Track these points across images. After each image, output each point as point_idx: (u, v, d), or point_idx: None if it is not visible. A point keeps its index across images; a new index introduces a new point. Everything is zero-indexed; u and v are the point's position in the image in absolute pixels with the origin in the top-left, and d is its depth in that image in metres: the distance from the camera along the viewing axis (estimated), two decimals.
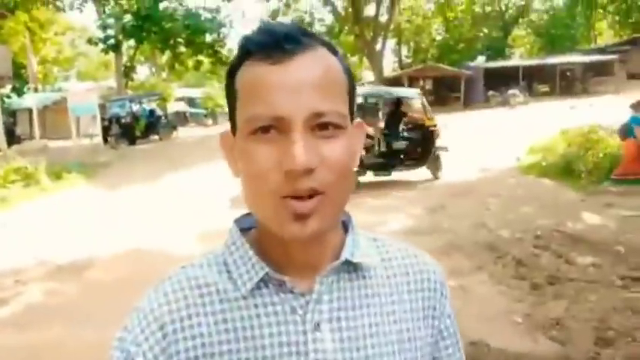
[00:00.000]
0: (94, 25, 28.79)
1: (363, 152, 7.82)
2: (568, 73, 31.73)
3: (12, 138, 20.65)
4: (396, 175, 9.81)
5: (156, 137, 21.95)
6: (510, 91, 26.66)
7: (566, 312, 3.84)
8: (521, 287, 4.45)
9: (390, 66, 42.95)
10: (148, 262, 5.42)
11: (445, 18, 42.35)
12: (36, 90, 22.26)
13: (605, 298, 4.01)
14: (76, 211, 9.12)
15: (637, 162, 7.96)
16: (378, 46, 30.31)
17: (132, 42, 28.87)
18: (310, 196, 0.57)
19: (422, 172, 10.01)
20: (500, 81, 28.48)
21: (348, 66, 0.65)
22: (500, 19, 43.19)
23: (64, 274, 5.56)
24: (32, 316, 4.52)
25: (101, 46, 27.15)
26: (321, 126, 0.58)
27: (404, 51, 44.90)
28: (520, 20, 44.58)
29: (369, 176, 9.49)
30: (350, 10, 30.75)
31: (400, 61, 43.75)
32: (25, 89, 22.30)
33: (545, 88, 30.89)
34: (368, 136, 9.27)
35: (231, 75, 0.63)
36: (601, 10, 40.82)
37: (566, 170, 9.11)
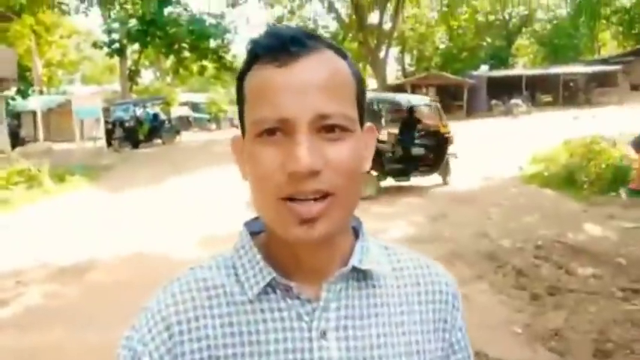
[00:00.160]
0: (99, 29, 29.07)
1: (381, 157, 7.82)
2: (571, 84, 31.77)
3: (16, 140, 20.74)
4: (391, 181, 9.89)
5: (159, 141, 22.02)
6: (513, 101, 26.72)
7: (565, 323, 3.84)
8: (521, 297, 4.45)
9: (393, 74, 43.03)
10: (150, 266, 5.44)
11: (449, 26, 42.45)
12: (41, 92, 22.42)
13: (605, 310, 4.00)
14: (79, 213, 9.15)
15: None
16: (382, 54, 30.40)
17: (136, 46, 29.04)
18: (316, 199, 0.57)
19: (429, 178, 10.12)
20: (503, 90, 28.53)
21: (359, 70, 0.65)
22: (504, 29, 43.29)
23: (66, 277, 5.56)
24: (33, 318, 4.52)
25: (106, 49, 27.35)
26: (327, 128, 0.57)
27: (407, 59, 45.02)
28: (523, 30, 44.69)
29: (389, 181, 9.71)
30: (354, 17, 30.87)
31: (403, 69, 43.84)
32: (29, 92, 22.38)
33: (548, 98, 30.93)
34: (380, 141, 9.32)
35: (240, 79, 0.63)
36: (604, 21, 40.85)
37: (568, 180, 9.11)
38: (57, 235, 7.48)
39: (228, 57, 29.39)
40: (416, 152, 9.87)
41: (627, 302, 4.15)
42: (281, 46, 0.58)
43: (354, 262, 0.64)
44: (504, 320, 4.02)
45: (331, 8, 33.35)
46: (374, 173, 9.04)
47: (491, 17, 43.34)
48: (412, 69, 43.41)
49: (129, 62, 29.52)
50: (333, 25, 37.59)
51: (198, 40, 27.78)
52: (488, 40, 43.33)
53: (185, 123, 32.13)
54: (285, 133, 0.57)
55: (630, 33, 39.21)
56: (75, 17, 33.79)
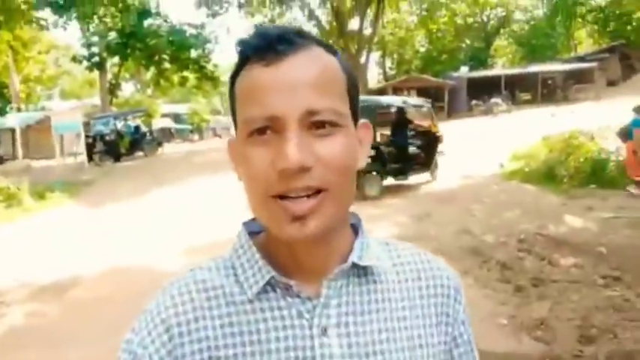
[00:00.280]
0: (78, 43, 28.78)
1: (382, 157, 7.91)
2: (549, 82, 32.25)
3: None
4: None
5: (141, 154, 21.82)
6: (493, 100, 27.03)
7: (550, 312, 3.87)
8: (506, 290, 4.48)
9: (374, 78, 43.33)
10: (131, 280, 5.37)
11: (428, 30, 42.94)
12: (19, 109, 22.14)
13: (587, 298, 4.05)
14: (59, 230, 8.99)
15: (635, 165, 7.92)
16: (363, 59, 30.52)
17: (116, 59, 28.85)
18: (308, 196, 0.56)
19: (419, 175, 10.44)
20: (483, 90, 28.87)
21: (350, 66, 0.64)
22: (482, 30, 43.92)
23: (47, 295, 5.45)
24: (14, 339, 4.42)
25: (85, 63, 27.10)
26: (317, 124, 0.57)
27: (388, 63, 45.40)
28: (502, 31, 45.39)
29: (390, 180, 10.01)
30: (334, 24, 31.05)
31: (385, 72, 44.17)
32: (7, 109, 22.10)
33: (527, 97, 31.33)
34: (377, 142, 9.42)
35: (232, 81, 0.63)
36: (580, 20, 41.65)
37: (548, 175, 9.24)
38: (37, 253, 7.33)
39: (210, 67, 29.32)
40: (412, 151, 10.19)
41: (608, 289, 4.21)
42: (268, 45, 0.58)
43: (353, 258, 0.63)
44: (490, 313, 4.03)
45: (312, 16, 33.49)
46: (374, 173, 9.29)
47: (470, 20, 43.93)
48: (393, 72, 43.81)
49: (109, 75, 29.29)
50: (314, 32, 37.67)
51: (179, 50, 27.69)
52: (467, 42, 43.92)
53: (167, 134, 31.94)
54: (275, 132, 0.57)
55: (605, 31, 39.99)
56: (53, 31, 33.50)
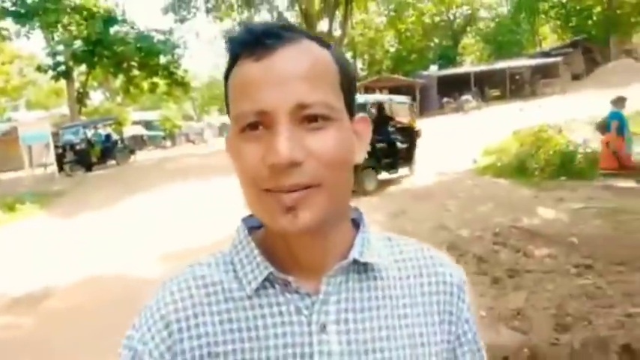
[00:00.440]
0: (42, 52, 28.05)
1: (376, 152, 8.03)
2: (517, 77, 32.91)
3: None
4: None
5: (113, 162, 21.43)
6: (463, 97, 27.46)
7: (526, 302, 3.95)
8: (483, 282, 4.55)
9: None
10: (105, 288, 5.31)
11: (397, 30, 43.38)
12: None
13: (561, 287, 4.15)
14: (31, 241, 8.78)
15: (611, 157, 8.15)
16: None
17: (83, 67, 28.23)
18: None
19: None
20: (453, 88, 29.31)
21: (346, 59, 0.63)
22: (450, 29, 44.60)
23: (21, 307, 5.33)
24: None
25: (51, 73, 26.44)
26: (309, 118, 0.56)
27: (359, 64, 45.65)
28: (468, 29, 46.20)
29: (384, 175, 10.28)
30: (304, 26, 31.08)
31: (356, 73, 44.40)
32: None
33: (496, 93, 31.94)
34: None
35: (225, 78, 0.63)
36: (543, 16, 42.68)
37: (519, 169, 9.43)
38: (9, 265, 7.15)
39: (180, 72, 28.96)
40: (400, 147, 10.47)
41: (581, 277, 4.32)
42: (255, 40, 0.58)
43: (354, 254, 0.63)
44: None
45: (280, 18, 33.48)
46: (371, 169, 9.48)
47: (437, 18, 44.56)
48: (364, 73, 44.05)
49: (76, 84, 28.65)
50: None
51: (148, 57, 27.26)
52: (436, 40, 44.53)
53: (139, 142, 31.44)
54: (266, 127, 0.57)
55: (567, 26, 41.04)
56: (16, 41, 32.57)
